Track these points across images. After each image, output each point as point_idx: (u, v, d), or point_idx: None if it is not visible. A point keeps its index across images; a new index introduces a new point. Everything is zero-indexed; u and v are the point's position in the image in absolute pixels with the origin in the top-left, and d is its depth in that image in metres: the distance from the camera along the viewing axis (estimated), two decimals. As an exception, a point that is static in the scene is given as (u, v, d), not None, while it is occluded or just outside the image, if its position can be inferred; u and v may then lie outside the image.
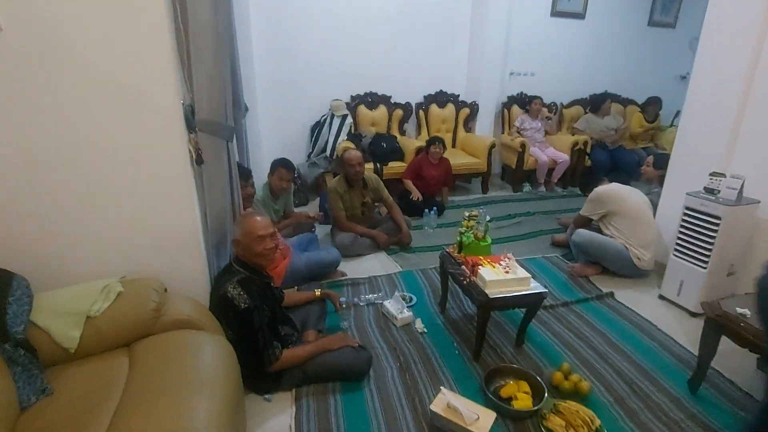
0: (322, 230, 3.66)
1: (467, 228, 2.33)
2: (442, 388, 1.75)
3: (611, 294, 2.74)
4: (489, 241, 2.32)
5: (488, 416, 1.63)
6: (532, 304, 2.06)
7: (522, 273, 2.02)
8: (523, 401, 1.78)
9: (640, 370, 2.06)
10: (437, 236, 3.63)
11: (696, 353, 2.15)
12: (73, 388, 1.28)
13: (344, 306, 2.32)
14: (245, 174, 2.53)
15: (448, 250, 2.39)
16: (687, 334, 2.37)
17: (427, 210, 3.80)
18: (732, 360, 2.04)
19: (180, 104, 1.62)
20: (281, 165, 3.12)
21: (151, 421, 1.15)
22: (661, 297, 2.72)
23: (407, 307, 2.51)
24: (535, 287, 2.02)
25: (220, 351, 1.44)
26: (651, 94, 5.36)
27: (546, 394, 1.79)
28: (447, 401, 1.65)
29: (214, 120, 1.75)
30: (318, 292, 2.26)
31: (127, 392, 1.28)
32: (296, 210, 3.40)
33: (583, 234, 2.94)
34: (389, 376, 1.99)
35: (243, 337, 1.71)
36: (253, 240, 1.80)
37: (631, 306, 2.62)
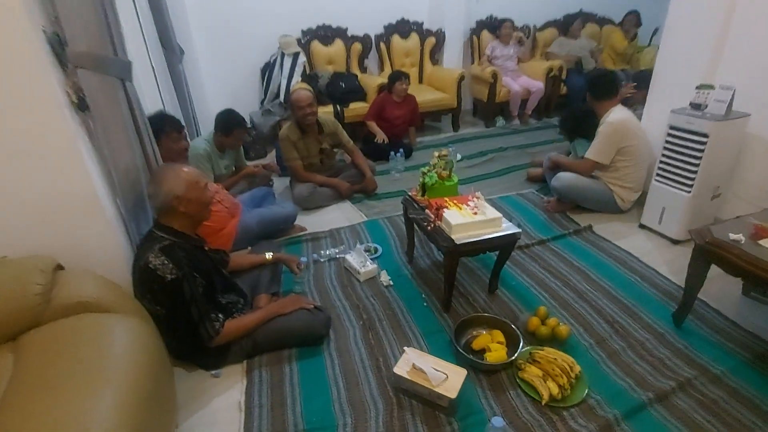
0: (281, 183, 3.35)
1: (431, 167, 2.06)
2: (405, 348, 1.56)
3: (589, 227, 2.57)
4: (455, 180, 2.06)
5: (458, 374, 1.46)
6: (504, 246, 1.85)
7: (492, 213, 1.79)
8: (496, 353, 1.61)
9: (621, 307, 1.92)
10: (405, 181, 3.35)
11: (679, 283, 2.02)
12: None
13: (304, 267, 2.07)
14: (175, 124, 2.16)
15: (410, 193, 2.13)
16: (669, 264, 2.23)
17: (392, 153, 3.49)
18: (716, 287, 1.91)
19: (40, 32, 1.24)
20: (238, 126, 2.74)
21: (28, 425, 0.92)
22: (642, 226, 2.56)
23: (371, 259, 2.29)
24: (507, 228, 1.80)
25: (132, 335, 1.19)
26: (628, 10, 4.97)
27: (521, 343, 1.63)
28: (412, 362, 1.47)
29: (97, 53, 1.37)
30: (269, 257, 2.00)
31: (7, 394, 1.03)
32: (252, 164, 3.04)
33: (562, 179, 2.68)
34: (351, 336, 1.80)
35: (175, 313, 1.46)
36: (200, 190, 1.56)
37: (610, 238, 2.46)
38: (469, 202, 1.87)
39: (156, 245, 1.43)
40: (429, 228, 1.84)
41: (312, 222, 2.79)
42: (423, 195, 2.06)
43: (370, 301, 2.01)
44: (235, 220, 2.44)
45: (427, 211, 1.92)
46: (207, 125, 3.19)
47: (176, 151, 2.13)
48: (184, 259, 1.44)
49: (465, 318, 1.76)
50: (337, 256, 2.35)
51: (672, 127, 2.27)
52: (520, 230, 1.79)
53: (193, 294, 1.44)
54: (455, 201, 1.89)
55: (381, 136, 3.74)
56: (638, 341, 1.74)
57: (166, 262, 1.40)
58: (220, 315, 1.55)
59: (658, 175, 2.41)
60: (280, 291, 2.05)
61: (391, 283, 2.12)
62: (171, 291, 1.41)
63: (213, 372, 1.64)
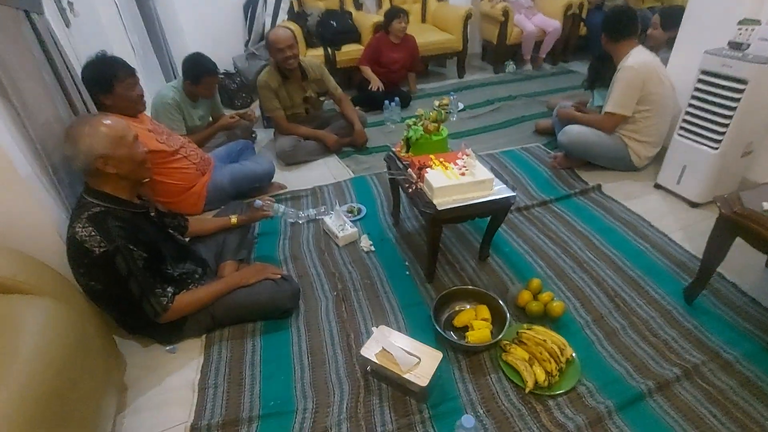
0: (266, 135, 3.10)
1: (417, 119, 1.79)
2: (374, 328, 1.39)
3: (598, 187, 2.31)
4: (444, 134, 1.80)
5: (433, 358, 1.30)
6: (495, 212, 1.63)
7: (482, 173, 1.55)
8: (479, 332, 1.44)
9: (626, 279, 1.71)
10: (400, 133, 3.03)
11: (694, 252, 1.80)
12: None
13: (269, 203, 1.86)
14: (127, 68, 1.89)
15: (394, 149, 1.88)
16: (685, 230, 1.99)
17: (387, 101, 3.18)
18: (735, 257, 1.66)
19: None
20: (207, 73, 2.43)
21: None
22: (658, 186, 2.29)
23: (353, 221, 2.10)
24: (499, 191, 1.56)
25: (46, 320, 1.03)
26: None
27: (508, 321, 1.45)
28: (381, 346, 1.31)
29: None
30: (234, 220, 1.80)
31: None
32: (230, 114, 2.77)
33: (570, 133, 2.37)
34: (323, 309, 1.64)
35: (111, 289, 1.31)
36: (128, 146, 1.34)
37: (621, 200, 2.21)
38: (457, 161, 1.62)
39: (84, 213, 1.24)
40: (410, 190, 1.61)
41: (295, 178, 2.58)
42: (407, 151, 1.81)
43: (347, 268, 1.84)
44: (205, 177, 2.24)
45: (409, 170, 1.68)
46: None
47: (132, 98, 1.88)
48: (117, 229, 1.26)
49: (447, 291, 1.58)
50: (317, 217, 2.15)
51: (704, 72, 1.94)
52: (514, 194, 1.56)
53: (131, 268, 1.27)
54: (442, 159, 1.64)
55: (376, 83, 3.41)
56: (642, 319, 1.54)
57: (93, 233, 1.22)
58: (169, 288, 1.38)
59: (681, 128, 2.10)
60: (250, 257, 1.89)
61: (372, 248, 1.93)
62: (102, 265, 1.24)
63: (168, 347, 1.51)
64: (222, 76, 3.54)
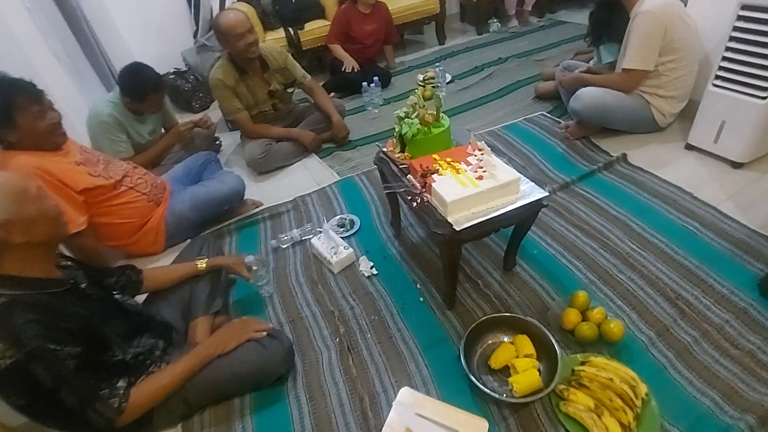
0: (233, 140, 2.70)
1: (410, 108, 1.43)
2: (394, 386, 1.09)
3: (623, 157, 1.99)
4: (446, 124, 1.44)
5: (477, 427, 1.00)
6: (524, 219, 1.31)
7: (505, 173, 1.21)
8: (526, 376, 1.14)
9: (683, 273, 1.42)
10: (385, 118, 2.70)
11: (753, 226, 1.52)
12: None
13: (257, 268, 1.53)
14: (28, 89, 1.45)
15: (384, 149, 1.53)
16: (734, 198, 1.70)
17: (365, 83, 2.79)
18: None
19: None
20: (152, 90, 2.04)
21: None
22: (690, 147, 1.98)
23: (346, 237, 1.77)
24: (527, 191, 1.23)
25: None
26: None
27: (559, 356, 1.15)
28: (406, 424, 1.00)
29: None
30: (202, 264, 1.45)
31: None
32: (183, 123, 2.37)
33: (584, 97, 2.02)
34: (325, 364, 1.33)
35: (39, 405, 0.97)
36: (34, 199, 0.99)
37: (651, 168, 1.90)
38: (469, 158, 1.28)
39: (-22, 312, 0.90)
40: (414, 205, 1.28)
41: (272, 190, 2.22)
42: (402, 150, 1.46)
43: (348, 302, 1.52)
44: (161, 208, 1.87)
45: (410, 177, 1.34)
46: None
47: (44, 129, 1.48)
48: (29, 326, 0.91)
49: (476, 324, 1.27)
50: (303, 238, 1.81)
51: (745, 6, 1.60)
52: (547, 193, 1.23)
53: (58, 375, 0.93)
54: (450, 158, 1.30)
55: (350, 63, 3.00)
56: (715, 326, 1.26)
57: None
58: (120, 383, 1.05)
59: (718, 77, 1.77)
60: (224, 305, 1.54)
61: (375, 271, 1.61)
62: (16, 381, 0.91)
63: (137, 447, 1.19)
64: (172, 77, 3.11)
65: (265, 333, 1.27)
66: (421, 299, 1.48)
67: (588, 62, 2.40)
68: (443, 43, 3.70)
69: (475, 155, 1.28)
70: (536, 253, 1.58)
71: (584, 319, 1.27)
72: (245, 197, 2.10)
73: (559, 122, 2.32)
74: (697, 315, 1.29)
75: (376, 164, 1.57)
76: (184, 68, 3.22)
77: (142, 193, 1.81)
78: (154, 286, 1.40)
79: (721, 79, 1.76)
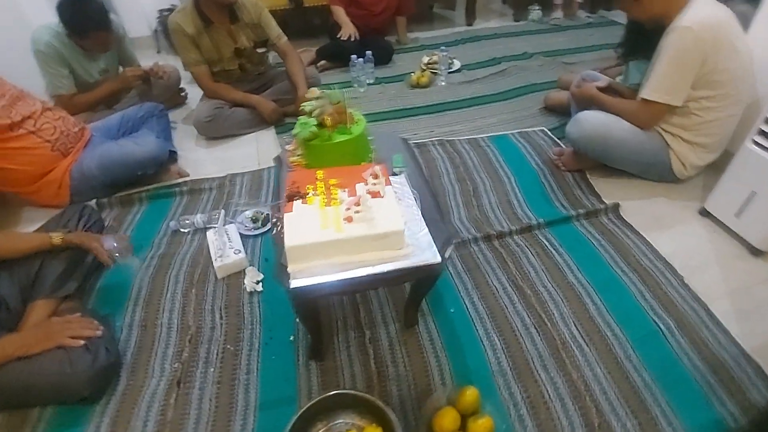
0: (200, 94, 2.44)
1: (314, 104, 1.10)
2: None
3: (614, 208, 1.58)
4: (356, 131, 1.11)
5: None
6: (415, 282, 0.99)
7: (388, 220, 0.88)
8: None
9: (623, 387, 1.06)
10: (372, 99, 2.38)
11: (746, 345, 1.14)
12: None
13: (121, 256, 1.30)
14: None
15: (288, 147, 1.22)
16: (734, 295, 1.29)
17: (354, 56, 2.43)
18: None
19: None
20: (95, 27, 1.82)
21: None
22: (705, 213, 1.55)
23: (255, 236, 1.52)
24: (417, 248, 0.90)
25: None
26: None
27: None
28: None
29: None
30: (57, 239, 1.23)
31: None
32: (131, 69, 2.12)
33: (585, 123, 1.60)
34: (148, 393, 1.09)
35: None
36: None
37: (645, 229, 1.50)
38: (358, 185, 0.96)
39: None
40: (274, 232, 0.98)
41: (209, 160, 1.98)
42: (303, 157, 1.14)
43: (213, 318, 1.27)
44: (68, 160, 1.67)
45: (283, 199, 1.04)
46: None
47: None
48: None
49: (317, 401, 0.98)
50: (205, 227, 1.56)
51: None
52: (439, 260, 0.89)
53: None
54: (337, 179, 0.99)
55: (347, 30, 2.63)
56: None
57: None
58: None
59: (762, 133, 1.33)
60: (83, 293, 1.33)
61: (260, 288, 1.34)
62: None
63: None
64: (167, 14, 2.84)
65: (82, 343, 1.06)
66: (291, 338, 1.20)
67: (614, 77, 1.95)
68: (471, 24, 3.23)
69: (370, 180, 0.96)
70: (453, 312, 1.26)
71: (461, 429, 0.97)
72: (174, 164, 1.87)
73: (559, 145, 1.92)
74: (619, 457, 0.96)
75: (274, 162, 1.27)
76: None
77: (45, 139, 1.60)
78: (2, 252, 1.20)
79: (766, 136, 1.32)
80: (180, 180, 1.83)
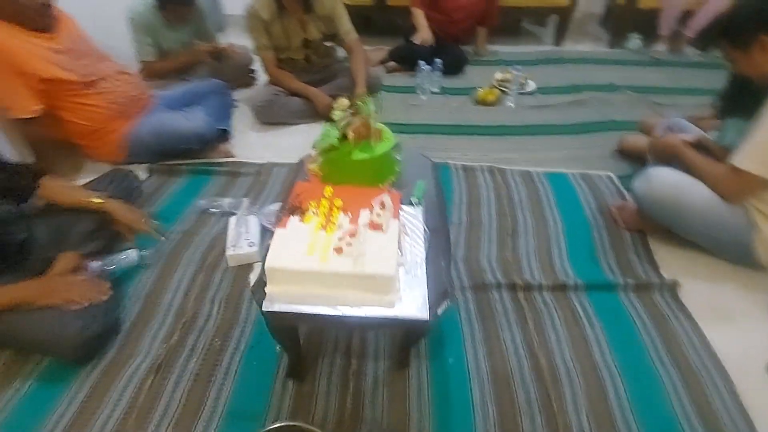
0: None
1: (343, 109, 1.03)
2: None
3: (671, 287, 1.36)
4: (384, 148, 1.02)
5: None
6: (390, 329, 0.90)
7: (381, 262, 0.80)
8: None
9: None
10: (432, 109, 2.29)
11: None
12: None
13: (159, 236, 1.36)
14: None
15: (312, 152, 1.16)
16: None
17: (422, 62, 2.34)
18: None
19: None
20: (173, 0, 2.00)
21: None
22: (788, 316, 1.29)
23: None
24: (407, 300, 0.81)
25: None
26: None
27: None
28: None
29: None
30: (98, 200, 1.30)
31: None
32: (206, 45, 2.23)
33: (657, 180, 1.39)
34: (130, 370, 1.11)
35: None
36: None
37: (703, 321, 1.26)
38: (363, 211, 0.89)
39: None
40: (267, 242, 0.93)
41: (259, 145, 2.02)
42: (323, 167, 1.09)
43: (211, 308, 1.27)
44: (129, 123, 1.76)
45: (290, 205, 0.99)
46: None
47: (29, 5, 1.45)
48: None
49: (275, 427, 0.93)
50: (231, 211, 1.57)
51: None
52: (427, 318, 0.79)
53: None
54: (343, 200, 0.92)
55: (422, 34, 2.54)
56: None
57: None
58: None
59: None
60: (103, 253, 1.38)
61: (263, 287, 1.32)
62: None
63: None
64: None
65: (75, 307, 1.09)
66: (278, 348, 1.16)
67: (706, 131, 1.68)
68: (559, 45, 2.99)
69: (376, 210, 0.88)
70: (451, 363, 1.14)
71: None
72: (225, 143, 1.93)
73: (624, 197, 1.70)
74: None
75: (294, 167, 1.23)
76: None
77: (110, 102, 1.71)
78: (52, 198, 1.29)
79: None
80: (223, 159, 1.86)
